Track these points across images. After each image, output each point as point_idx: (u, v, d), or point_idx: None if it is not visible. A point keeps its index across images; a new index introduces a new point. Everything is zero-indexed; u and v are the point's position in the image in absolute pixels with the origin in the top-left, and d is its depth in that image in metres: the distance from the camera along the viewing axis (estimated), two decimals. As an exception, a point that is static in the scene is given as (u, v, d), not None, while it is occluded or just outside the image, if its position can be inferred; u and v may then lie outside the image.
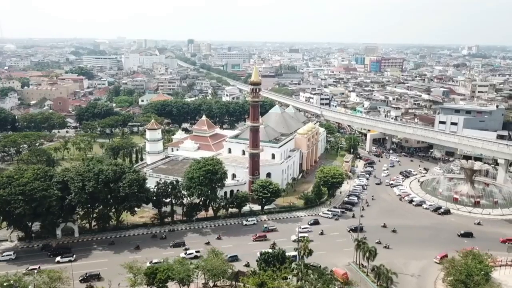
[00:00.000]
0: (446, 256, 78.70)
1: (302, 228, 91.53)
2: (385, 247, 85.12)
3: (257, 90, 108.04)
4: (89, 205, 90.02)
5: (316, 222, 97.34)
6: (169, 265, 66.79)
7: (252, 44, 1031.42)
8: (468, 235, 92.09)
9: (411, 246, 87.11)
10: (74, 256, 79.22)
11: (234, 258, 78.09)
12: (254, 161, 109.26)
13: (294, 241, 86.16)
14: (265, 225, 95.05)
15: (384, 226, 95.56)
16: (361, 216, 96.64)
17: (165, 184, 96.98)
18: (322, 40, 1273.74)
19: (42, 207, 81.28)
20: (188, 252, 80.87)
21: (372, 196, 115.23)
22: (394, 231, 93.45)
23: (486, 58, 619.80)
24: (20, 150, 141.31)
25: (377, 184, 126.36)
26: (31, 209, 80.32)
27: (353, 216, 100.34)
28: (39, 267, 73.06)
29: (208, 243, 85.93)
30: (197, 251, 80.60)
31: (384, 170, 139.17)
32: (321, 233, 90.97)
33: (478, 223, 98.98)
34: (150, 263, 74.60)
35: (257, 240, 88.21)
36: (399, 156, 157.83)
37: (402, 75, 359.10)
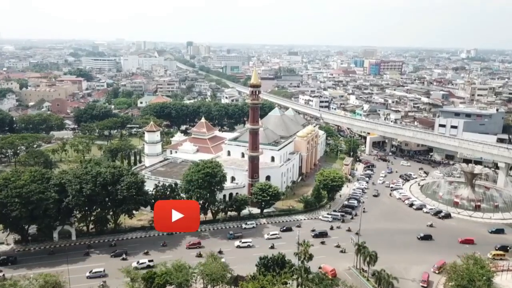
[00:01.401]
0: (444, 264, 76.73)
1: (271, 235, 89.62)
2: (341, 251, 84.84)
3: (257, 93, 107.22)
4: (86, 208, 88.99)
5: (288, 229, 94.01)
6: (167, 270, 65.92)
7: (251, 47, 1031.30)
8: (427, 237, 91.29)
9: (411, 250, 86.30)
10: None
11: None
12: (254, 163, 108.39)
13: (237, 247, 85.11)
14: (231, 232, 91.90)
15: (349, 230, 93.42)
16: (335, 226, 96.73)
17: (163, 186, 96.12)
18: (321, 43, 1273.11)
19: (39, 209, 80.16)
20: (140, 261, 76.68)
21: (364, 208, 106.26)
22: (357, 233, 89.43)
23: (484, 61, 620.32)
24: (18, 151, 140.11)
25: (375, 196, 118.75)
26: (27, 212, 79.26)
27: (335, 227, 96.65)
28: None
29: (147, 253, 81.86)
30: (150, 261, 76.82)
31: (382, 177, 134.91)
32: (272, 247, 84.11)
33: (431, 225, 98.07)
34: (90, 272, 72.70)
35: (190, 247, 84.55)
36: (409, 160, 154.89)
37: (401, 78, 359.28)
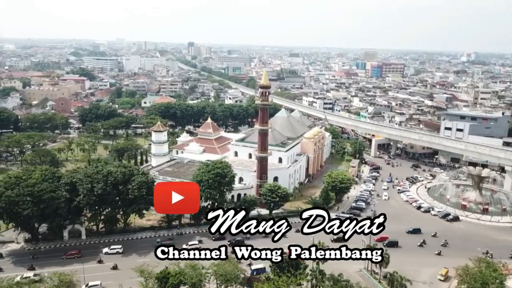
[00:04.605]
0: None
1: (190, 245, 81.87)
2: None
3: (267, 93, 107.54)
4: (97, 207, 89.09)
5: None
6: (181, 270, 65.87)
7: (251, 48, 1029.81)
8: (340, 240, 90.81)
9: (420, 252, 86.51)
10: None
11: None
12: (262, 164, 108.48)
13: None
14: (158, 240, 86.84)
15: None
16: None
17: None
18: (321, 45, 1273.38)
19: (50, 208, 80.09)
20: (25, 275, 69.73)
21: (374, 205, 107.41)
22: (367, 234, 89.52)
23: (485, 65, 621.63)
24: (24, 150, 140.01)
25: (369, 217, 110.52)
26: (39, 211, 79.15)
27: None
28: None
29: (31, 267, 75.02)
30: (35, 275, 69.46)
31: (384, 189, 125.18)
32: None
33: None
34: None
35: (67, 258, 79.02)
36: (443, 168, 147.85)
37: (403, 81, 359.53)
